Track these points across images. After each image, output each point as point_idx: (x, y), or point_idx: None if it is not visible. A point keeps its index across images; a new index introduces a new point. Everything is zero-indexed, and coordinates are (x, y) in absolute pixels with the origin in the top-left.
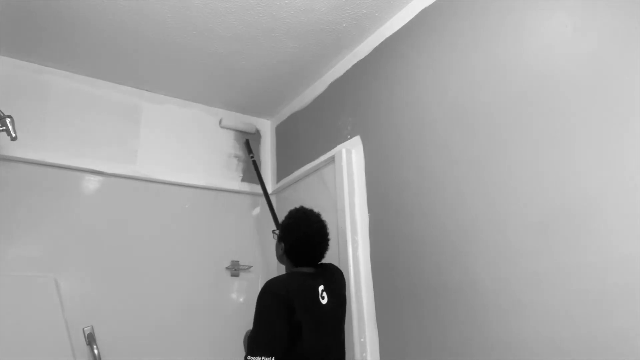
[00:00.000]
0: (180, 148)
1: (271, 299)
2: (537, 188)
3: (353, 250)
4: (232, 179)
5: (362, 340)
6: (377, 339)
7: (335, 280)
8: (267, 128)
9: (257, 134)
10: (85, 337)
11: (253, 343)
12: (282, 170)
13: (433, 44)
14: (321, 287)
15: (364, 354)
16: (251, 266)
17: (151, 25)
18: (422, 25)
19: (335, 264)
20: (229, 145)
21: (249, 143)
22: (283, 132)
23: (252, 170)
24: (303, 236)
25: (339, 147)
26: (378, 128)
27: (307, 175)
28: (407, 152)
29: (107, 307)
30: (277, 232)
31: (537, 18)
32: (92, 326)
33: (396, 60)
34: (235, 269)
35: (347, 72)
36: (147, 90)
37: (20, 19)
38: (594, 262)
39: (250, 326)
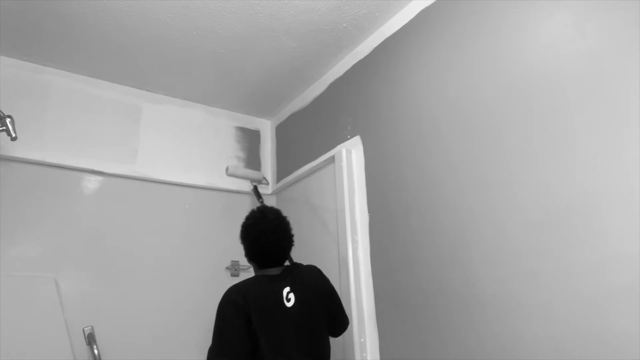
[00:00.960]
0: (180, 148)
1: (228, 308)
2: (536, 188)
3: (353, 250)
4: (232, 179)
5: (362, 340)
6: (377, 339)
7: (307, 279)
8: (267, 128)
9: (262, 180)
10: (85, 337)
11: (214, 355)
12: (282, 170)
13: (433, 44)
14: (286, 290)
15: (364, 354)
16: (251, 266)
17: (151, 25)
18: (422, 25)
19: (336, 264)
20: (229, 145)
21: (257, 189)
22: (283, 132)
23: (258, 169)
24: (260, 236)
25: (339, 147)
26: (378, 128)
27: (307, 175)
28: (407, 152)
29: (107, 307)
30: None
31: (537, 18)
32: (92, 326)
33: (396, 60)
34: (235, 269)
35: (347, 72)
36: (147, 90)
37: (20, 19)
38: (594, 261)
39: None
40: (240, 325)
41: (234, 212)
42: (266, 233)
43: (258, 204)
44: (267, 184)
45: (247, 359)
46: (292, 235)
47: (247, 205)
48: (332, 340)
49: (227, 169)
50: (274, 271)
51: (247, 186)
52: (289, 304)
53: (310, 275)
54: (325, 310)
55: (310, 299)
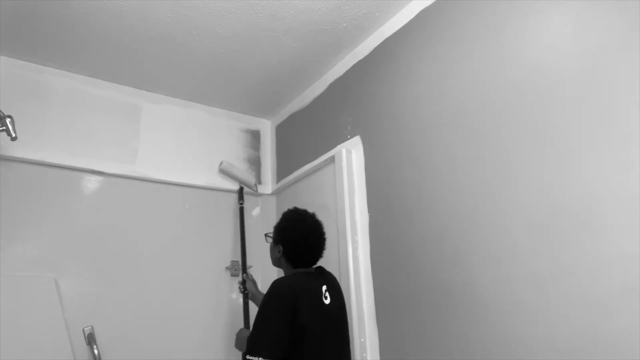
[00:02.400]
0: (180, 148)
1: (277, 301)
2: (537, 188)
3: (353, 250)
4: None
5: (362, 340)
6: (377, 339)
7: (334, 282)
8: (267, 128)
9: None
10: (85, 337)
11: (253, 343)
12: (282, 170)
13: (433, 43)
14: (324, 287)
15: (364, 354)
16: (251, 266)
17: (151, 25)
18: (422, 25)
19: (336, 264)
20: (229, 145)
21: (242, 191)
22: (283, 132)
23: (257, 169)
24: (300, 237)
25: (339, 147)
26: (378, 128)
27: (307, 175)
28: (408, 152)
29: (107, 307)
30: (271, 235)
31: (538, 18)
32: (92, 326)
33: (396, 60)
34: (235, 269)
35: (347, 72)
36: (147, 90)
37: (20, 19)
38: (594, 262)
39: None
40: (285, 318)
41: (234, 212)
42: (308, 235)
43: (238, 205)
44: (256, 191)
45: (284, 353)
46: (325, 239)
47: (247, 205)
48: None
49: (220, 164)
50: (309, 270)
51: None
52: (327, 302)
53: (335, 280)
54: (346, 313)
55: (339, 301)
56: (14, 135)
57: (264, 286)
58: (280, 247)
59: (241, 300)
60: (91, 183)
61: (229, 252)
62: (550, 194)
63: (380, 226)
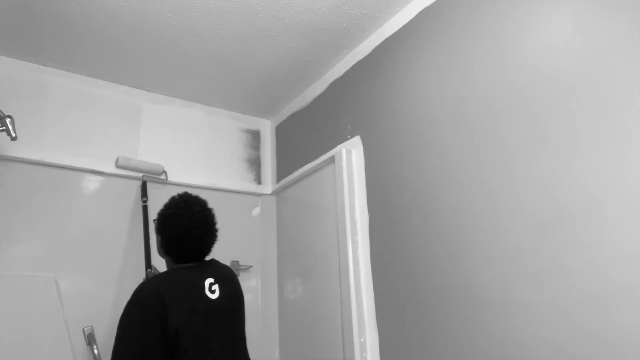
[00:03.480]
0: (180, 148)
1: (139, 310)
2: (537, 188)
3: (353, 250)
4: (232, 179)
5: (362, 340)
6: (377, 339)
7: (225, 274)
8: (267, 128)
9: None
10: (85, 337)
11: (114, 356)
12: (282, 170)
13: (433, 43)
14: (209, 280)
15: (364, 354)
16: (251, 266)
17: (151, 25)
18: (422, 25)
19: (336, 264)
20: (229, 145)
21: (145, 185)
22: (283, 132)
23: (257, 169)
24: (182, 229)
25: (339, 147)
26: (378, 128)
27: (307, 175)
28: (408, 152)
29: (107, 307)
30: (155, 221)
31: (538, 18)
32: (92, 326)
33: (396, 60)
34: (235, 269)
35: (347, 72)
36: (147, 90)
37: (20, 19)
38: (594, 261)
39: (252, 327)
40: (151, 330)
41: (234, 213)
42: (190, 227)
43: (142, 203)
44: (166, 179)
45: None
46: (217, 231)
47: (247, 205)
48: (331, 339)
49: (116, 160)
50: (191, 264)
51: (247, 186)
52: (214, 296)
53: (230, 272)
54: (242, 310)
55: (236, 296)
56: (14, 135)
57: (264, 287)
58: (159, 238)
59: None
60: (91, 183)
61: (229, 252)
62: (550, 193)
63: (380, 226)
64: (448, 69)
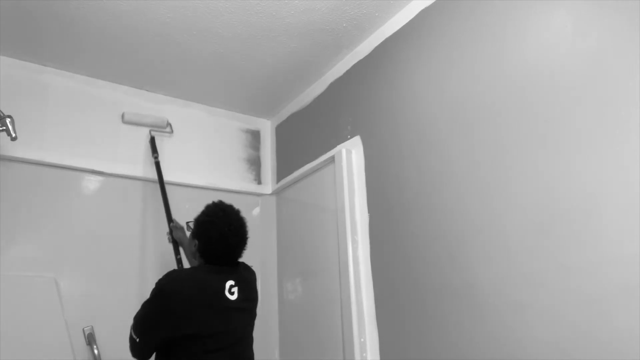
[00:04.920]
0: (180, 148)
1: (160, 301)
2: (536, 188)
3: (353, 250)
4: (232, 179)
5: (362, 340)
6: (377, 339)
7: (247, 278)
8: (267, 128)
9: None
10: (85, 337)
11: (135, 325)
12: (282, 170)
13: (433, 44)
14: (230, 282)
15: (364, 354)
16: (251, 266)
17: (151, 26)
18: (422, 26)
19: (336, 264)
20: (229, 145)
21: (154, 141)
22: (283, 132)
23: (257, 169)
24: (220, 237)
25: (339, 147)
26: (378, 128)
27: (307, 175)
28: (407, 152)
29: (107, 307)
30: (192, 224)
31: (538, 18)
32: (92, 326)
33: (396, 60)
34: None
35: (347, 72)
36: (147, 91)
37: (20, 19)
38: (594, 262)
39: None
40: (164, 321)
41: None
42: (227, 236)
43: (153, 159)
44: (171, 131)
45: (155, 343)
46: (248, 238)
47: (247, 205)
48: (331, 339)
49: (122, 116)
50: (220, 266)
51: (247, 186)
52: (233, 297)
53: (253, 277)
54: (254, 313)
55: (253, 300)
56: (14, 135)
57: (264, 287)
58: (196, 242)
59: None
60: (91, 183)
61: None
62: (550, 194)
63: (380, 226)
64: (448, 69)
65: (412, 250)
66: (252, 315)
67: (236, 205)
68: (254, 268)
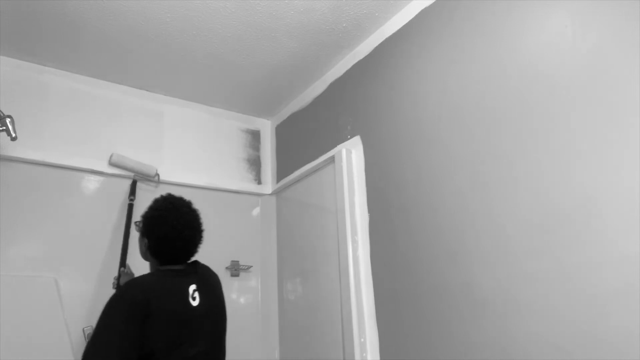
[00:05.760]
0: (180, 148)
1: (123, 306)
2: (536, 188)
3: (353, 250)
4: (232, 179)
5: (362, 340)
6: (377, 339)
7: (208, 279)
8: (267, 128)
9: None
10: (85, 337)
11: (89, 350)
12: (282, 170)
13: (433, 44)
14: (192, 287)
15: (364, 354)
16: (251, 266)
17: (151, 25)
18: (422, 25)
19: (336, 264)
20: (229, 145)
21: (135, 185)
22: (283, 132)
23: (257, 169)
24: (171, 231)
25: (339, 147)
26: (378, 128)
27: (307, 175)
28: (407, 152)
29: None
30: (140, 223)
31: (537, 18)
32: (92, 326)
33: (396, 60)
34: (235, 269)
35: (347, 72)
36: (146, 90)
37: (20, 19)
38: (594, 262)
39: (252, 327)
40: (130, 328)
41: (234, 213)
42: (179, 229)
43: (128, 201)
44: (158, 181)
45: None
46: (203, 231)
47: (247, 205)
48: (331, 339)
49: (110, 157)
50: (177, 267)
51: (247, 186)
52: (195, 303)
53: (213, 279)
54: (222, 317)
55: (213, 302)
56: (14, 135)
57: (264, 287)
58: (146, 241)
59: (241, 299)
60: (91, 183)
61: (229, 252)
62: (549, 194)
63: (380, 226)
64: (448, 69)
65: (412, 250)
66: (218, 326)
67: (236, 205)
68: (254, 269)
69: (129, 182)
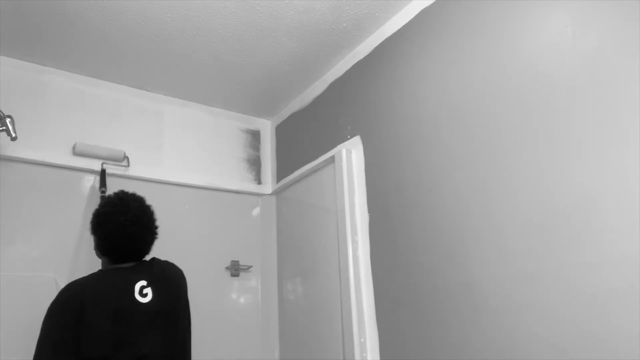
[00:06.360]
0: (180, 148)
1: (59, 311)
2: (536, 188)
3: (353, 250)
4: (232, 179)
5: (362, 340)
6: (377, 339)
7: (164, 276)
8: (267, 128)
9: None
10: None
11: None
12: (282, 170)
13: (433, 44)
14: (140, 283)
15: (364, 354)
16: (251, 266)
17: (151, 25)
18: (422, 25)
19: (336, 264)
20: (229, 145)
21: (104, 174)
22: (283, 132)
23: (257, 169)
24: (117, 228)
25: (339, 147)
26: (378, 128)
27: (307, 175)
28: (407, 152)
29: None
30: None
31: (537, 18)
32: None
33: (396, 60)
34: (235, 269)
35: (347, 72)
36: (146, 90)
37: (20, 19)
38: (594, 262)
39: (252, 327)
40: (65, 334)
41: (234, 212)
42: (126, 225)
43: (99, 193)
44: (127, 165)
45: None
46: (156, 228)
47: (247, 205)
48: (331, 339)
49: (73, 147)
50: (126, 264)
51: (247, 186)
52: (145, 300)
53: (173, 273)
54: (188, 319)
55: (175, 299)
56: (14, 135)
57: (264, 287)
58: (95, 239)
59: (241, 300)
60: (91, 183)
61: (229, 252)
62: (549, 193)
63: (380, 226)
64: (448, 69)
65: (412, 250)
66: (176, 323)
67: (236, 205)
68: (254, 269)
69: (130, 183)
